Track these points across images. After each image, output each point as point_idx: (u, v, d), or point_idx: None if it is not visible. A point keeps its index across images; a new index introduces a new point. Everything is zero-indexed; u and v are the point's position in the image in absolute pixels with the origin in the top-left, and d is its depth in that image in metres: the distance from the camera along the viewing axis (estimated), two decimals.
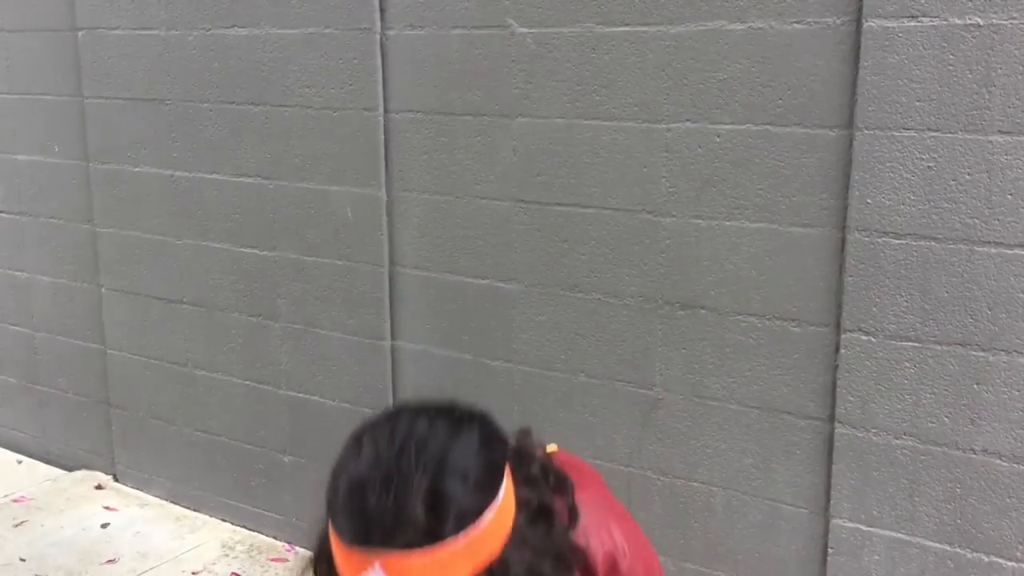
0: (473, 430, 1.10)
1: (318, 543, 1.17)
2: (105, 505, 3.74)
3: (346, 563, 1.07)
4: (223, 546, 3.45)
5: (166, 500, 3.76)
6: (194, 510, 3.69)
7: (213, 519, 3.63)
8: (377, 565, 1.03)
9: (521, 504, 1.13)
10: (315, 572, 1.19)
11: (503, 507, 1.10)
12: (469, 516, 1.05)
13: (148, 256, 3.59)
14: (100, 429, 3.94)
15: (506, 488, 1.11)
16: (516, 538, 1.10)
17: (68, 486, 3.90)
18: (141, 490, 3.84)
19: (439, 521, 1.03)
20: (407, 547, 1.03)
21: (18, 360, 4.17)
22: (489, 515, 1.07)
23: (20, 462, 4.19)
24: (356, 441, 1.11)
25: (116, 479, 3.93)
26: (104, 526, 3.59)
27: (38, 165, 3.86)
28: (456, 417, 1.11)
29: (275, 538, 3.48)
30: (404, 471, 1.05)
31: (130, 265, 3.65)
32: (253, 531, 3.53)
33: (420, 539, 1.03)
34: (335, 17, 2.95)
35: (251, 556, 3.38)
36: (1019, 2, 2.04)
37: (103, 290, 3.77)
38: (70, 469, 4.05)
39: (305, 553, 3.37)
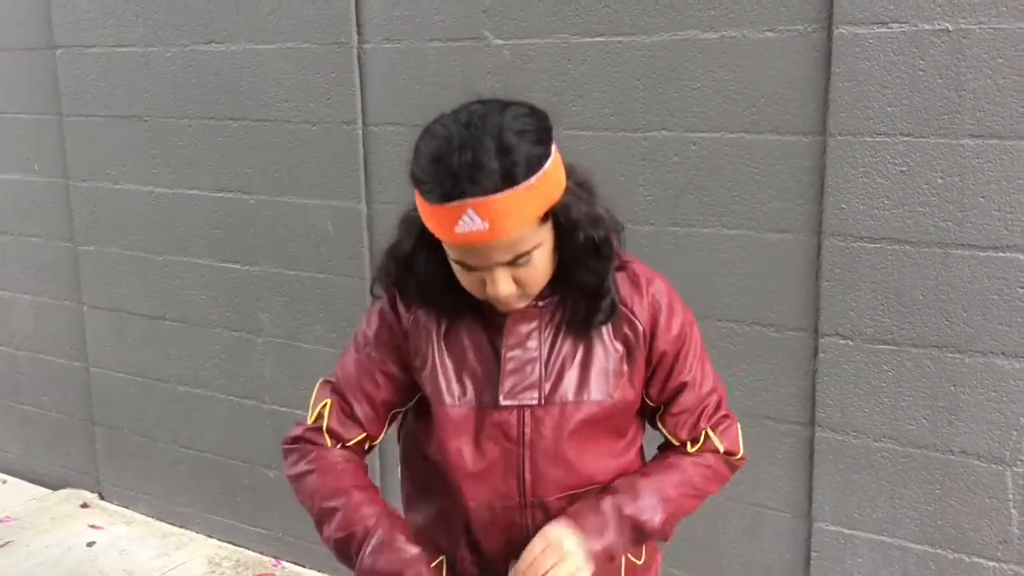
0: (518, 105, 1.33)
1: (399, 227, 1.46)
2: (90, 523, 3.72)
3: (443, 219, 1.28)
4: (209, 562, 3.44)
5: (152, 517, 3.75)
6: (180, 527, 3.68)
7: (199, 535, 3.62)
8: (470, 210, 1.25)
9: (569, 173, 1.38)
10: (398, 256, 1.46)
11: (556, 163, 1.33)
12: (533, 163, 1.28)
13: (129, 273, 3.58)
14: (84, 447, 3.92)
15: (556, 153, 1.34)
16: (571, 192, 1.36)
17: (53, 505, 3.89)
18: (127, 508, 3.83)
19: (511, 166, 1.26)
20: (490, 192, 1.25)
21: (1, 379, 4.16)
22: (548, 164, 1.30)
23: (4, 482, 4.17)
24: (426, 131, 1.34)
25: (101, 497, 3.92)
26: (90, 544, 3.58)
27: (18, 184, 3.85)
28: (503, 101, 1.34)
29: (262, 553, 3.47)
30: (474, 136, 1.27)
31: (111, 282, 3.65)
32: (239, 547, 3.52)
33: (499, 183, 1.25)
34: (312, 32, 2.96)
35: (238, 572, 3.37)
36: (987, 7, 2.07)
37: (85, 308, 3.76)
38: (55, 488, 4.03)
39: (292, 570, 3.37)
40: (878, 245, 2.25)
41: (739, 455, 1.59)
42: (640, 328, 1.47)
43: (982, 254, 2.16)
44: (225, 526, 3.56)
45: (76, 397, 3.90)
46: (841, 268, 2.30)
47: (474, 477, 1.47)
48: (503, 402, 1.44)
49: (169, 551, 3.52)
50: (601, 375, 1.46)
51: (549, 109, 1.38)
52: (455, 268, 1.39)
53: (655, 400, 1.54)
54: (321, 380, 1.57)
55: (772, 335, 2.43)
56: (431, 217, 1.32)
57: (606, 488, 1.49)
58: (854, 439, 2.36)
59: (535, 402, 1.44)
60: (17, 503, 3.94)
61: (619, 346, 1.47)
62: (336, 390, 1.53)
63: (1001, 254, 2.14)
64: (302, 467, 1.51)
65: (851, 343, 2.32)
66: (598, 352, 1.46)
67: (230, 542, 3.55)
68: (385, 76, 2.88)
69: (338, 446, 1.52)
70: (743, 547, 2.58)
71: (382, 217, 2.96)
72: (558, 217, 1.35)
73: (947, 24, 2.11)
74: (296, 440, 1.54)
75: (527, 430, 1.44)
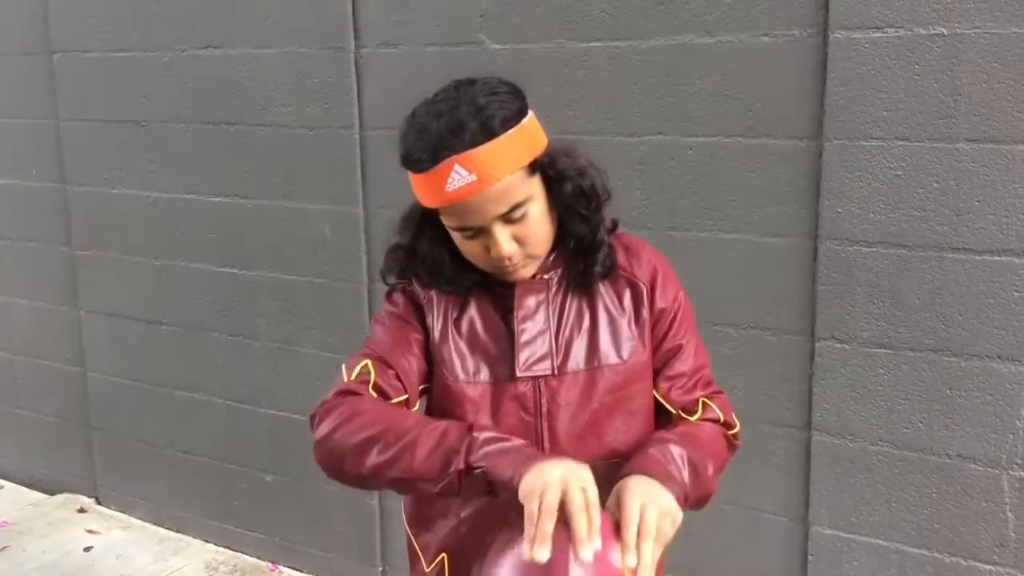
0: (488, 77, 1.42)
1: (401, 222, 1.54)
2: (87, 528, 3.72)
3: (433, 183, 1.35)
4: (207, 567, 3.44)
5: (149, 522, 3.75)
6: (177, 532, 3.67)
7: (196, 540, 3.61)
8: (456, 165, 1.32)
9: (551, 140, 1.45)
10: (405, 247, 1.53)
11: (534, 121, 1.41)
12: (509, 117, 1.36)
13: (127, 278, 3.58)
14: (82, 452, 3.92)
15: (533, 114, 1.41)
16: (555, 149, 1.43)
17: (50, 510, 3.88)
18: (124, 512, 3.83)
19: (488, 119, 1.34)
20: (471, 146, 1.32)
21: None
22: (525, 120, 1.38)
23: (1, 487, 4.17)
24: (407, 120, 1.41)
25: (98, 502, 3.91)
26: (87, 549, 3.57)
27: (15, 189, 3.85)
28: (473, 77, 1.42)
29: (259, 558, 3.47)
30: (450, 106, 1.36)
31: (109, 287, 3.65)
32: (236, 552, 3.52)
33: (479, 137, 1.33)
34: (309, 36, 2.97)
35: None
36: (982, 12, 2.07)
37: (82, 313, 3.76)
38: (52, 493, 4.03)
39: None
40: (874, 249, 2.26)
41: (736, 429, 1.58)
42: (642, 288, 1.53)
43: (978, 258, 2.16)
44: (222, 531, 3.56)
45: (73, 402, 3.90)
46: (837, 272, 2.30)
47: None
48: (519, 374, 1.46)
49: (166, 556, 3.51)
50: (609, 339, 1.49)
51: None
52: (457, 241, 1.43)
53: (652, 362, 1.54)
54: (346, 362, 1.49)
55: (768, 339, 2.43)
56: (423, 186, 1.38)
57: (653, 439, 1.43)
58: (851, 443, 2.36)
59: (549, 372, 1.47)
60: (14, 508, 3.93)
61: (627, 307, 1.52)
62: (371, 355, 1.47)
63: (997, 258, 2.14)
64: (352, 409, 1.38)
65: (847, 347, 2.33)
66: (604, 317, 1.50)
67: (227, 547, 3.55)
68: (382, 81, 2.88)
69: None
70: (740, 551, 2.58)
71: (380, 222, 2.96)
72: (545, 170, 1.41)
73: (942, 28, 2.11)
74: (339, 395, 1.42)
75: (543, 400, 1.47)
